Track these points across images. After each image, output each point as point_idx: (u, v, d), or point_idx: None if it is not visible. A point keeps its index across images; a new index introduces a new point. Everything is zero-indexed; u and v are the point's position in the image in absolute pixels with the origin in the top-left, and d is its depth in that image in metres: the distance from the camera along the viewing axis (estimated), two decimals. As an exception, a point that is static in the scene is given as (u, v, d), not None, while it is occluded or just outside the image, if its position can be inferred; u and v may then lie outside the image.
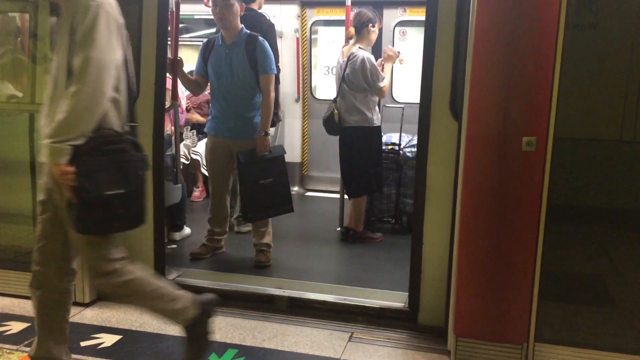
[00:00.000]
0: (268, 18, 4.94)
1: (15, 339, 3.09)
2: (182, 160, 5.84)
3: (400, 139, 5.30)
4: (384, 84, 4.72)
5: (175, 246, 4.69)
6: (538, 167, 2.70)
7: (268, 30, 4.73)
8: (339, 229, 5.25)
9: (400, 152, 5.21)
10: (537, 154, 2.68)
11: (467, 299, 2.89)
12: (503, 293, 2.82)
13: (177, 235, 4.86)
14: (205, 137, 6.25)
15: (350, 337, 3.24)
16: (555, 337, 2.89)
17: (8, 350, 2.97)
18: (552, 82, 2.65)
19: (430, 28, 3.14)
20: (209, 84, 4.38)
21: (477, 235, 2.83)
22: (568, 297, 3.04)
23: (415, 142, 5.12)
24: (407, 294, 3.43)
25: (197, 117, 6.39)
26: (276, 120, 5.03)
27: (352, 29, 4.86)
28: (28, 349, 2.96)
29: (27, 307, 3.47)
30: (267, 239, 4.38)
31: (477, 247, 2.84)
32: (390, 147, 5.24)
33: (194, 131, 6.45)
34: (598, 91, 2.89)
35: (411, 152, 5.12)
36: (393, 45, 6.51)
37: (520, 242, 2.78)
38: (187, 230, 5.00)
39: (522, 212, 2.76)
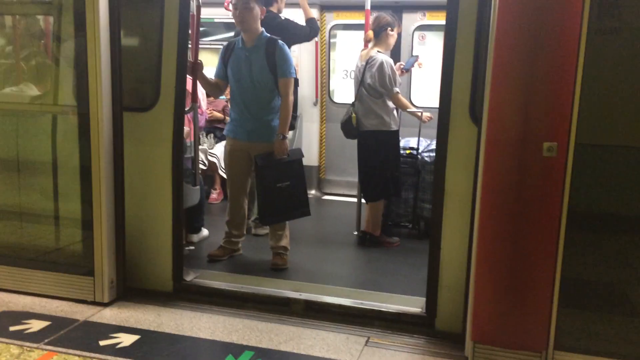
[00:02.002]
0: (280, 17, 4.94)
1: (36, 337, 3.13)
2: (200, 165, 5.89)
3: (419, 143, 5.28)
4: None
5: (193, 248, 4.72)
6: (559, 173, 2.67)
7: (278, 26, 4.73)
8: (355, 233, 5.25)
9: (419, 156, 5.19)
10: (558, 160, 2.65)
11: (485, 305, 2.86)
12: (522, 299, 2.79)
13: (195, 237, 4.89)
14: (222, 140, 6.35)
15: (367, 341, 3.23)
16: (575, 345, 2.86)
17: (28, 348, 3.01)
18: (573, 87, 2.62)
19: (450, 32, 3.13)
20: (228, 87, 4.41)
21: (496, 241, 2.80)
22: (588, 305, 3.00)
23: (433, 146, 5.14)
24: (424, 299, 3.41)
25: (215, 113, 6.45)
26: (294, 124, 5.04)
27: (370, 33, 4.87)
28: (48, 347, 3.02)
29: (47, 305, 3.53)
30: (284, 242, 4.39)
31: (496, 253, 2.81)
32: (408, 151, 5.23)
33: (211, 134, 6.50)
34: (620, 97, 2.85)
35: (429, 156, 5.09)
36: (412, 50, 6.50)
37: (540, 249, 2.75)
38: (205, 232, 5.03)
39: (543, 219, 2.73)
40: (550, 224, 2.73)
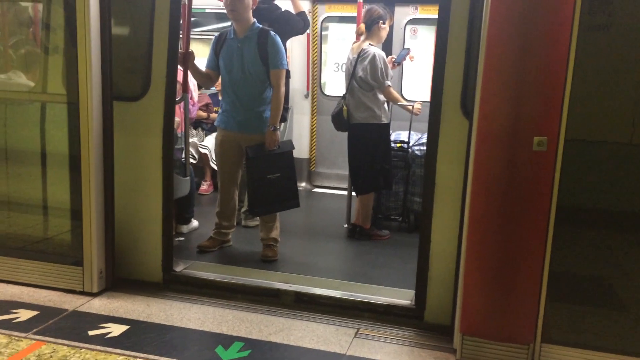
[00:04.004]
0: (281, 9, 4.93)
1: (24, 327, 3.11)
2: (190, 159, 5.87)
3: (409, 136, 5.29)
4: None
5: (182, 239, 4.71)
6: (549, 168, 2.70)
7: (278, 18, 4.73)
8: (346, 225, 5.26)
9: (409, 150, 5.20)
10: (548, 154, 2.68)
11: (474, 298, 2.89)
12: (511, 293, 2.82)
13: (185, 228, 4.88)
14: (212, 132, 6.33)
15: (356, 333, 3.25)
16: (562, 338, 2.89)
17: (16, 338, 2.99)
18: (564, 82, 2.64)
19: (443, 26, 3.13)
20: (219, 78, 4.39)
21: (486, 234, 2.83)
22: (576, 299, 3.03)
23: (424, 140, 5.16)
24: (413, 291, 3.43)
25: (199, 112, 6.43)
26: (286, 116, 5.03)
27: (362, 26, 4.86)
28: (37, 336, 3.00)
29: (36, 295, 3.51)
30: (275, 234, 4.39)
31: (485, 246, 2.83)
32: (399, 144, 5.24)
33: (199, 128, 6.48)
34: (609, 93, 2.88)
35: (420, 150, 5.11)
36: (404, 43, 6.50)
37: (529, 243, 2.78)
38: (194, 223, 5.01)
39: (532, 212, 2.75)
40: (539, 218, 2.75)
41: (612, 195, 3.00)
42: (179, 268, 3.86)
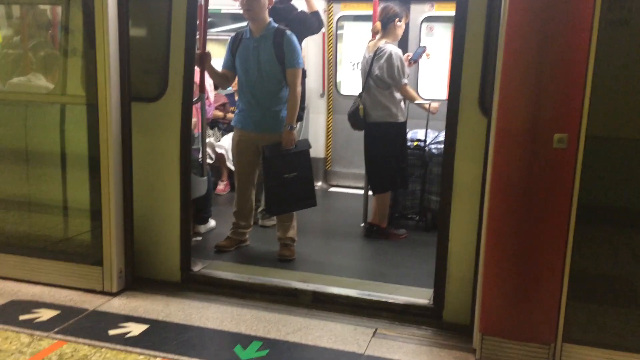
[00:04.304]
0: (297, 9, 4.94)
1: (46, 326, 3.15)
2: (207, 159, 5.90)
3: (426, 135, 5.26)
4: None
5: (200, 238, 4.73)
6: (569, 165, 2.66)
7: (294, 18, 4.73)
8: (362, 224, 5.24)
9: (426, 148, 5.17)
10: (568, 152, 2.64)
11: (493, 297, 2.86)
12: (531, 292, 2.79)
13: (202, 228, 4.90)
14: (228, 132, 6.35)
15: (375, 332, 3.24)
16: (583, 337, 2.85)
17: (38, 337, 3.03)
18: (585, 78, 2.60)
19: (460, 23, 3.11)
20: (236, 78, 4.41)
21: (505, 232, 2.80)
22: (597, 298, 2.99)
23: (441, 138, 5.13)
24: (432, 290, 3.41)
25: (216, 112, 6.46)
26: (302, 115, 5.03)
27: (378, 24, 4.84)
28: (58, 336, 3.04)
29: (56, 295, 3.55)
30: (292, 233, 4.39)
31: (505, 245, 2.81)
32: (415, 143, 5.21)
33: (215, 128, 6.51)
34: (631, 89, 2.83)
35: (437, 148, 5.08)
36: (420, 41, 6.47)
37: (549, 241, 2.75)
38: (212, 222, 5.04)
39: (552, 211, 2.72)
40: (559, 216, 2.72)
41: (634, 193, 2.94)
42: (197, 268, 3.88)
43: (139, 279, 3.74)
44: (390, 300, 3.48)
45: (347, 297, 3.55)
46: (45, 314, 3.30)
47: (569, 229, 2.72)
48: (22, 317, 3.25)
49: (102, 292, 3.58)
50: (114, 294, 3.58)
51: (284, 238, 4.37)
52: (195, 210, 4.70)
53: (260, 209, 5.09)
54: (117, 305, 3.47)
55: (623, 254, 3.01)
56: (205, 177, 4.59)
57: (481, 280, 2.88)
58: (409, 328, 3.31)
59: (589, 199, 2.77)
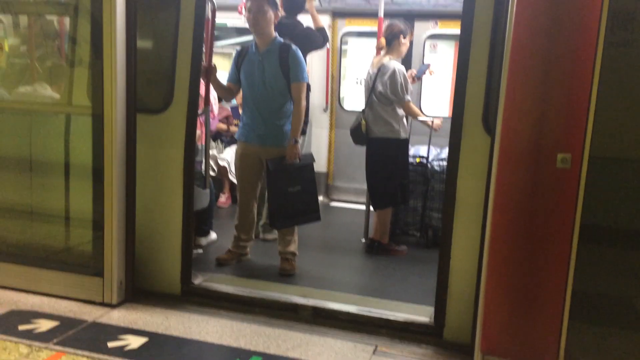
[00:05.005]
0: (302, 25, 4.98)
1: (45, 337, 3.13)
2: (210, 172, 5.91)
3: (429, 151, 5.28)
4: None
5: (201, 251, 4.72)
6: (572, 185, 2.66)
7: (299, 33, 4.77)
8: (363, 240, 5.24)
9: (428, 165, 5.18)
10: (571, 172, 2.64)
11: (495, 316, 2.84)
12: (533, 312, 2.77)
13: (204, 241, 4.89)
14: (231, 144, 6.37)
15: (375, 350, 3.21)
16: (585, 359, 2.83)
17: (37, 348, 3.01)
18: (589, 99, 2.61)
19: (465, 41, 3.13)
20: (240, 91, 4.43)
21: (508, 251, 2.79)
22: (600, 319, 2.97)
23: (443, 155, 5.14)
24: (432, 308, 3.39)
25: (220, 125, 6.48)
26: (305, 129, 5.05)
27: (382, 40, 4.88)
28: (57, 347, 3.02)
29: (55, 305, 3.54)
30: (293, 247, 4.39)
31: (507, 264, 2.80)
32: (418, 159, 5.22)
33: (218, 140, 6.53)
34: (634, 110, 2.84)
35: (439, 165, 5.09)
36: (424, 58, 6.51)
37: (551, 261, 2.74)
38: (213, 235, 5.03)
39: (555, 230, 2.71)
40: (562, 236, 2.71)
41: (637, 213, 2.95)
42: (197, 280, 3.87)
43: (138, 290, 3.72)
44: (391, 318, 3.46)
45: (348, 313, 3.53)
46: (45, 325, 3.28)
47: (572, 249, 2.71)
48: (21, 327, 3.23)
49: (102, 304, 3.57)
50: (113, 306, 3.56)
51: (285, 252, 4.37)
52: (196, 222, 4.69)
53: (261, 222, 5.09)
54: (117, 317, 3.45)
55: (626, 274, 3.00)
56: (208, 190, 4.59)
57: (482, 299, 2.87)
58: (409, 346, 3.29)
59: (591, 219, 2.76)
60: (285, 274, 4.26)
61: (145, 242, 3.73)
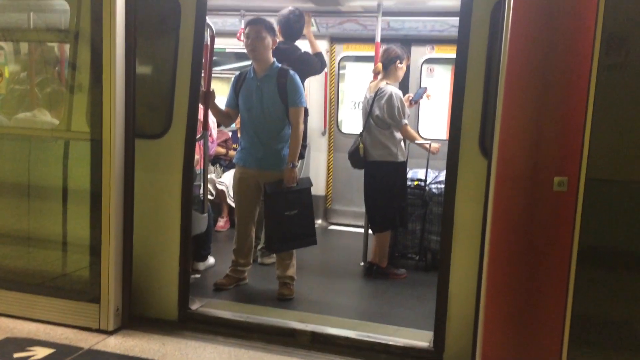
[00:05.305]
0: (300, 50, 5.04)
1: (40, 364, 3.10)
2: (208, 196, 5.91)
3: (427, 174, 5.28)
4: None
5: (199, 276, 4.69)
6: (570, 208, 2.67)
7: (297, 58, 4.82)
8: (362, 263, 5.21)
9: (426, 188, 5.18)
10: (568, 195, 2.65)
11: (494, 341, 2.82)
12: (532, 336, 2.75)
13: (201, 265, 4.86)
14: (230, 168, 6.38)
15: (374, 375, 3.18)
16: (586, 383, 2.81)
17: (32, 375, 2.98)
18: (584, 122, 2.63)
19: (461, 65, 3.16)
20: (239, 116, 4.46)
21: (506, 275, 2.78)
22: (600, 343, 2.94)
23: (441, 178, 5.14)
24: (432, 333, 3.37)
25: (219, 149, 6.51)
26: (303, 153, 5.07)
27: (379, 65, 4.92)
28: (52, 374, 2.98)
29: (52, 332, 3.50)
30: (291, 272, 4.36)
31: (506, 288, 2.78)
32: (416, 182, 5.23)
33: (217, 164, 6.55)
34: (630, 132, 2.86)
35: (437, 188, 5.09)
36: (420, 82, 6.56)
37: (550, 284, 2.73)
38: (211, 260, 5.00)
39: (553, 253, 2.71)
40: (560, 259, 2.71)
41: (635, 235, 2.94)
42: (195, 306, 3.84)
43: (135, 316, 3.69)
44: (390, 343, 3.43)
45: (346, 339, 3.50)
46: (40, 352, 3.24)
47: (570, 272, 2.70)
48: (16, 355, 3.20)
49: (98, 330, 3.53)
50: (110, 332, 3.52)
51: (283, 276, 4.34)
52: (194, 247, 4.67)
53: (259, 247, 5.07)
54: (113, 344, 3.41)
55: (625, 297, 2.98)
56: (206, 214, 4.58)
57: (482, 323, 2.85)
58: (409, 371, 3.26)
59: (590, 241, 2.76)
60: (283, 299, 4.23)
61: (143, 267, 3.71)
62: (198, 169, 4.53)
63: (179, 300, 3.71)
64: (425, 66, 6.68)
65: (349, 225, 6.91)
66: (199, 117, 3.96)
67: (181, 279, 3.70)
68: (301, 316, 3.86)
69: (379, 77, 4.94)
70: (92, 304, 3.55)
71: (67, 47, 4.10)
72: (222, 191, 6.24)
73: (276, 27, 4.53)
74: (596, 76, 2.62)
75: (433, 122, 6.66)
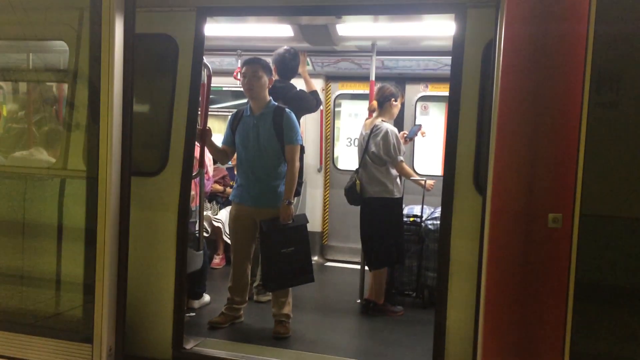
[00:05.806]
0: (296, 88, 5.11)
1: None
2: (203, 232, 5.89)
3: (422, 211, 5.29)
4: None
5: (194, 314, 4.64)
6: (565, 244, 2.67)
7: (293, 96, 4.88)
8: (359, 300, 5.17)
9: (422, 224, 5.18)
10: (563, 231, 2.66)
11: (493, 380, 2.78)
12: (531, 374, 2.72)
13: (196, 303, 4.81)
14: (226, 206, 6.39)
15: (371, 416, 3.12)
16: None
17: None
18: (577, 159, 2.66)
19: (454, 104, 3.21)
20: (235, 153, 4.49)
21: (503, 312, 2.77)
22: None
23: (437, 214, 5.15)
24: (430, 371, 3.32)
25: (216, 185, 6.52)
26: (300, 190, 5.08)
27: (375, 103, 4.99)
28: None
29: (43, 373, 3.43)
30: (287, 310, 4.32)
31: (503, 324, 2.77)
32: (412, 219, 5.23)
33: (213, 201, 6.55)
34: (622, 168, 2.89)
35: (433, 224, 5.09)
36: (415, 119, 6.64)
37: (547, 321, 2.71)
38: (206, 297, 4.96)
39: (550, 290, 2.71)
40: (557, 296, 2.70)
41: (632, 272, 2.93)
42: (189, 345, 3.78)
43: (128, 356, 3.62)
44: (388, 382, 3.38)
45: (343, 379, 3.45)
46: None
47: (567, 308, 2.69)
48: (6, 397, 3.14)
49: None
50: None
51: (278, 314, 4.30)
52: (189, 284, 4.63)
53: (255, 284, 5.03)
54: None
55: (622, 334, 2.96)
56: (201, 251, 4.56)
57: (480, 361, 2.82)
58: (407, 412, 3.20)
59: (586, 277, 2.75)
60: (279, 337, 4.17)
61: (137, 305, 3.67)
62: (193, 205, 4.53)
63: (173, 339, 3.66)
64: (419, 103, 6.78)
65: (345, 261, 6.88)
66: (195, 154, 3.98)
67: (176, 317, 3.66)
68: (297, 355, 3.81)
69: (374, 114, 5.00)
70: (85, 344, 3.48)
71: (65, 86, 4.15)
72: (219, 228, 6.23)
73: (272, 65, 4.61)
74: (587, 114, 2.66)
75: (428, 158, 6.71)
